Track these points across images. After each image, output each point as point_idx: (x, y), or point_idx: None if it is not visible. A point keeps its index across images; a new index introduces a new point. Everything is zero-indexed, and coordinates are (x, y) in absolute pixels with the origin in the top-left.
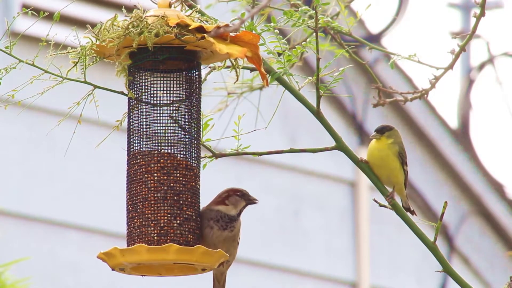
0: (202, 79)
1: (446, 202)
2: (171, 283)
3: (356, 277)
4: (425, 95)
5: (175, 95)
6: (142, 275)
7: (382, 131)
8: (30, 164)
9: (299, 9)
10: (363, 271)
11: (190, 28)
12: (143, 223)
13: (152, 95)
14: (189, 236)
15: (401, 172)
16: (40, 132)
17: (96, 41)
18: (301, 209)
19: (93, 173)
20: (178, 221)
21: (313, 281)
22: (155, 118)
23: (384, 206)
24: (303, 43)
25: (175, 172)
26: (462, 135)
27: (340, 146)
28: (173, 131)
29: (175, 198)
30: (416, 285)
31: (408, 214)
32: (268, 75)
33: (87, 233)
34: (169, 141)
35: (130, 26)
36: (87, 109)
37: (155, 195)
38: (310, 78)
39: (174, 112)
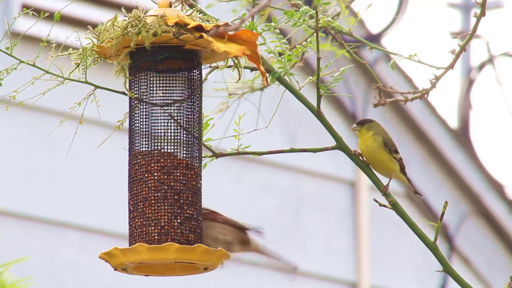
0: (203, 79)
1: (446, 202)
2: (173, 283)
3: (356, 277)
4: (426, 95)
5: (175, 94)
6: (146, 275)
7: (362, 123)
8: (30, 164)
9: (300, 9)
10: (363, 271)
11: (188, 27)
12: (144, 222)
13: (152, 95)
14: (190, 235)
15: (392, 162)
16: (41, 133)
17: (97, 42)
18: (301, 209)
19: (94, 173)
20: (179, 220)
21: (313, 281)
22: (156, 117)
23: (384, 206)
24: (303, 43)
25: (175, 171)
26: (462, 135)
27: (340, 146)
28: (174, 130)
29: (176, 197)
30: (416, 285)
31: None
32: (269, 75)
33: (87, 233)
34: (170, 140)
35: (128, 26)
36: (88, 110)
37: (155, 194)
38: (311, 78)
39: (175, 111)
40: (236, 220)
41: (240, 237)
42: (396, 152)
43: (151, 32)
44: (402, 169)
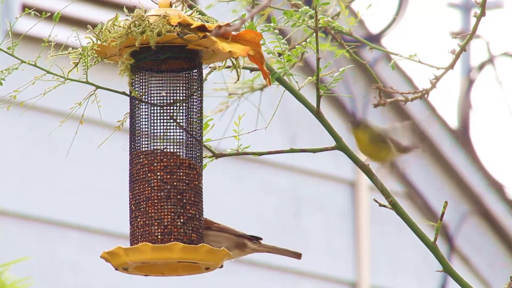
0: (203, 79)
1: (446, 202)
2: (173, 282)
3: (356, 277)
4: (426, 95)
5: (176, 94)
6: (145, 275)
7: (357, 123)
8: (30, 164)
9: (299, 9)
10: (363, 271)
11: (192, 27)
12: (147, 222)
13: (153, 95)
14: (193, 235)
15: (391, 150)
16: (41, 132)
17: (97, 41)
18: (301, 209)
19: (94, 173)
20: (182, 220)
21: (313, 281)
22: (157, 117)
23: (384, 206)
24: (303, 43)
25: (178, 171)
26: (462, 135)
27: (340, 146)
28: (175, 130)
29: (179, 197)
30: (416, 285)
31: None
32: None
33: (87, 233)
34: (172, 140)
35: (132, 26)
36: (88, 110)
37: (159, 194)
38: (310, 78)
39: (176, 112)
40: (233, 228)
41: (236, 241)
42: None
43: (156, 32)
44: (401, 149)
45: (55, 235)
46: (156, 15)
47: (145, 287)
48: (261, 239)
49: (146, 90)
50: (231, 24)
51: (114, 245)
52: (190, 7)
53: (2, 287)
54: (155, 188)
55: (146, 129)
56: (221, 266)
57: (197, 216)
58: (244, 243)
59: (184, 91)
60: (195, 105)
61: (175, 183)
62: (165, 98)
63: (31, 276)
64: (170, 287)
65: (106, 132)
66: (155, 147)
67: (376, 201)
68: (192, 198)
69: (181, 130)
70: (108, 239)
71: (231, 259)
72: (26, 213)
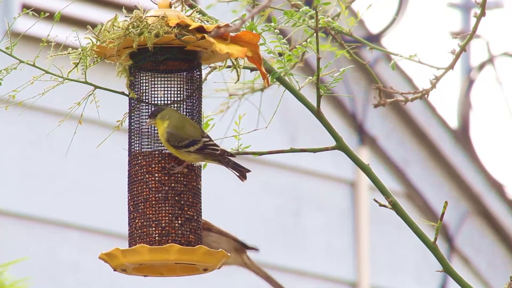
0: (202, 79)
1: (446, 202)
2: (173, 283)
3: (356, 277)
4: (426, 95)
5: (175, 95)
6: (144, 276)
7: (154, 114)
8: (30, 164)
9: (300, 9)
10: (363, 271)
11: (190, 28)
12: (145, 223)
13: (152, 96)
14: (191, 236)
15: (182, 155)
16: (40, 132)
17: (96, 42)
18: (301, 209)
19: (93, 173)
20: (180, 221)
21: (313, 281)
22: None
23: (384, 206)
24: (303, 43)
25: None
26: (462, 135)
27: (340, 146)
28: None
29: (176, 198)
30: (416, 285)
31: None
32: (269, 75)
33: (87, 233)
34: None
35: (130, 27)
36: (87, 109)
37: (156, 195)
38: (311, 78)
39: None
40: (231, 233)
41: (233, 245)
42: (188, 145)
43: (153, 33)
44: (212, 156)
45: (55, 235)
46: (155, 16)
47: (146, 287)
48: (258, 249)
49: (145, 90)
50: (231, 24)
51: (114, 245)
52: (191, 6)
53: (1, 287)
54: (153, 189)
55: (144, 130)
56: (219, 267)
57: (195, 217)
58: (240, 249)
59: (183, 92)
60: (194, 105)
61: (173, 185)
62: (163, 98)
63: (31, 276)
64: (171, 287)
65: (105, 132)
66: (153, 148)
67: (376, 201)
68: (190, 199)
69: None
70: (108, 239)
71: (227, 265)
72: (26, 213)
